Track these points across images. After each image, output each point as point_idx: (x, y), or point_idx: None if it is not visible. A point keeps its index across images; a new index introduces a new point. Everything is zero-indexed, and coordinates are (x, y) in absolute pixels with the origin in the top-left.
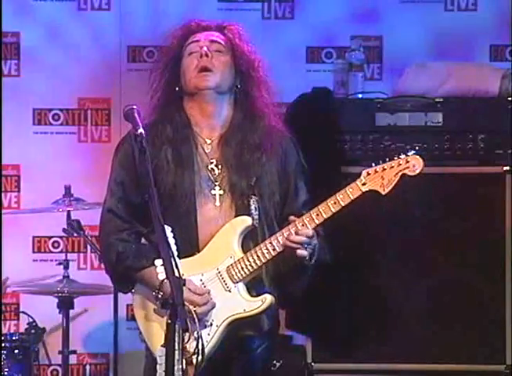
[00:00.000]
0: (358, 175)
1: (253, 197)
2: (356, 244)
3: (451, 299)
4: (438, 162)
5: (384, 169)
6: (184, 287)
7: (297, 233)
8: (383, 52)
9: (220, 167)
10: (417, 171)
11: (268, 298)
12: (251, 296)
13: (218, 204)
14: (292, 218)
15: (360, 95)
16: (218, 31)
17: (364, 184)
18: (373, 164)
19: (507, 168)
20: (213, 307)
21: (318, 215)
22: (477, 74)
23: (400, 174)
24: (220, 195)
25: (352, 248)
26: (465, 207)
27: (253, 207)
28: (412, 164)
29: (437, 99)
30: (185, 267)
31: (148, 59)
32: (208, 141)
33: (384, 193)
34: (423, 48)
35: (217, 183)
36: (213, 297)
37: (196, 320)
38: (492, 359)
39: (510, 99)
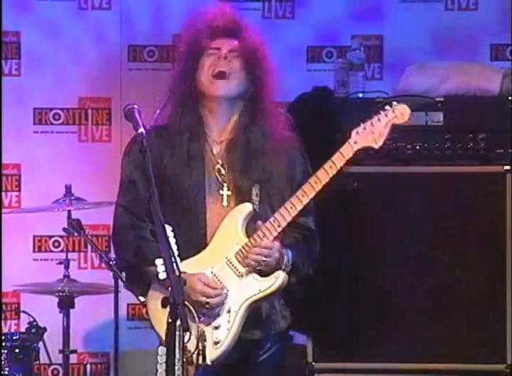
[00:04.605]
0: (349, 136)
1: (256, 185)
2: (357, 243)
3: (451, 299)
4: (439, 162)
5: (373, 124)
6: (197, 280)
7: (256, 247)
8: (383, 51)
9: (226, 168)
10: (406, 119)
11: (281, 274)
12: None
13: (225, 204)
14: (259, 223)
15: (361, 95)
16: (237, 36)
17: (356, 143)
18: (361, 123)
19: (508, 167)
20: (226, 297)
21: (316, 182)
22: (477, 73)
23: (389, 124)
24: (227, 195)
25: (353, 248)
26: (465, 206)
27: (254, 193)
28: (400, 112)
29: (437, 99)
30: (195, 264)
31: (148, 59)
32: (218, 142)
33: (376, 146)
34: (424, 48)
35: (225, 184)
36: (226, 285)
37: (197, 319)
38: (492, 359)
39: (510, 98)
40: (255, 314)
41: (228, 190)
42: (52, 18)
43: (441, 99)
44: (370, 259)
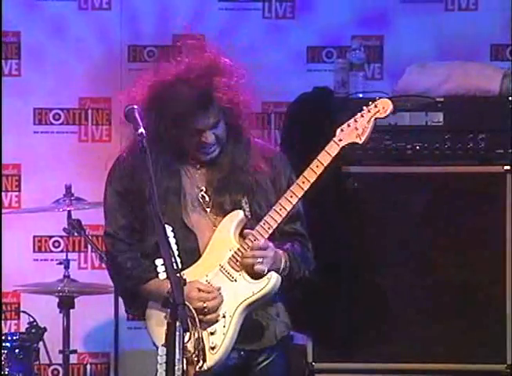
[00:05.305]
0: (334, 134)
1: (244, 197)
2: (356, 243)
3: (451, 299)
4: (439, 162)
5: (356, 121)
6: (192, 288)
7: (251, 249)
8: (383, 51)
9: (210, 193)
10: (388, 112)
11: (273, 275)
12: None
13: (215, 228)
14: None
15: (361, 95)
16: (209, 93)
17: (340, 140)
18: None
19: (508, 167)
20: (222, 300)
21: (304, 182)
22: (477, 73)
23: (372, 119)
24: (214, 218)
25: (353, 248)
26: (465, 206)
27: (243, 201)
28: (382, 107)
29: (437, 99)
30: (191, 275)
31: (148, 59)
32: (197, 166)
33: (360, 142)
34: (424, 48)
35: (208, 209)
36: (221, 291)
37: (197, 320)
38: (492, 359)
39: (510, 98)
40: (253, 326)
41: (212, 215)
42: (53, 18)
43: (441, 100)
44: (370, 259)
